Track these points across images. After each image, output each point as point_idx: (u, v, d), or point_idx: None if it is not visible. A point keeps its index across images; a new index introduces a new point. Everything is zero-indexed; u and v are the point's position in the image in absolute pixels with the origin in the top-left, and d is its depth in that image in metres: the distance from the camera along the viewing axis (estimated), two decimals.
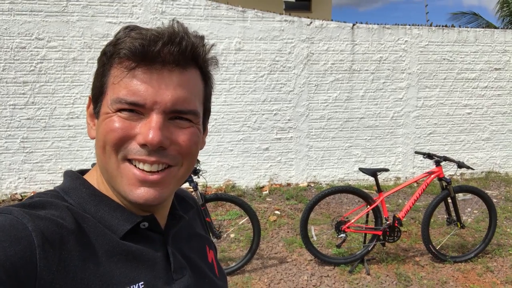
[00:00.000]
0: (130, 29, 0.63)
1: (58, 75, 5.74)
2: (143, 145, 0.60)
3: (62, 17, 5.69)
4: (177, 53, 0.61)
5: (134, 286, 0.61)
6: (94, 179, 0.68)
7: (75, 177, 0.68)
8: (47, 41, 5.68)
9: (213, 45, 0.69)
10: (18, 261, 0.49)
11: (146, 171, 0.62)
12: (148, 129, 0.60)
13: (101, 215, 0.64)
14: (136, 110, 0.61)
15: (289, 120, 6.57)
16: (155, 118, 0.60)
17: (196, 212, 0.90)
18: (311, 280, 3.62)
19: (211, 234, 3.72)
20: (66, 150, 5.82)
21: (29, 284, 0.50)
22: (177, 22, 0.65)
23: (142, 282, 0.62)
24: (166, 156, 0.63)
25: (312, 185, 6.66)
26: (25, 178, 5.80)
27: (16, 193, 5.76)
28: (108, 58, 0.63)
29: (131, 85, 0.60)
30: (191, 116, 0.65)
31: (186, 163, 0.66)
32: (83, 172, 0.72)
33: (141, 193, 0.62)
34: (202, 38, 0.66)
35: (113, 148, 0.62)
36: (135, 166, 0.62)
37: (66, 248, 0.55)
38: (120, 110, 0.61)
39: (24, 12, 5.59)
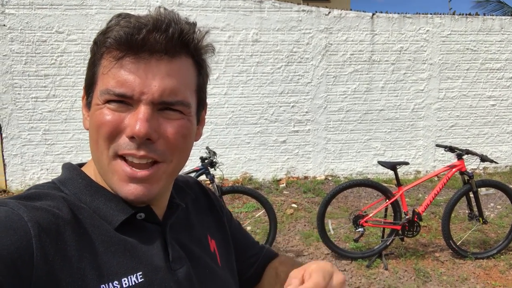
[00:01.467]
0: (121, 17, 0.62)
1: (77, 68, 5.82)
2: (131, 138, 0.60)
3: (81, 10, 5.75)
4: (164, 41, 0.59)
5: (132, 276, 0.60)
6: (91, 170, 0.68)
7: (72, 169, 0.69)
8: (67, 34, 5.76)
9: (207, 31, 0.66)
10: (15, 251, 0.49)
11: (135, 164, 0.61)
12: (135, 120, 0.59)
13: (97, 206, 0.63)
14: (125, 101, 0.60)
15: (306, 112, 6.50)
16: (142, 110, 0.59)
17: (203, 198, 0.87)
18: None
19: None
20: (86, 142, 5.91)
21: (26, 273, 0.49)
22: (165, 8, 0.62)
23: (141, 273, 0.61)
24: (154, 151, 0.61)
25: (330, 178, 6.60)
26: (47, 170, 5.93)
27: None
28: (98, 47, 0.62)
29: (118, 75, 0.59)
30: (181, 107, 0.63)
31: (175, 159, 0.65)
32: (81, 165, 0.72)
33: (131, 189, 0.62)
34: (193, 24, 0.64)
35: (105, 142, 0.61)
36: (125, 161, 0.61)
37: (63, 238, 0.55)
38: (109, 101, 0.60)
39: (44, 6, 5.67)
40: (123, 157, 0.61)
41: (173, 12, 0.62)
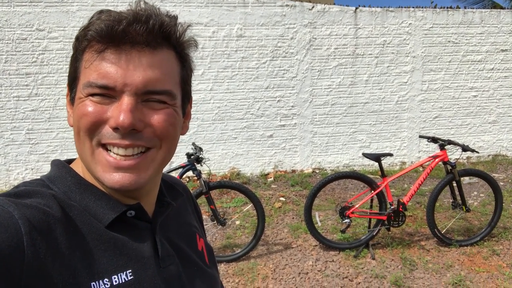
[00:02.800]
0: (103, 13, 0.62)
1: (60, 65, 5.74)
2: (115, 129, 0.59)
3: (62, 7, 5.66)
4: (145, 32, 0.60)
5: (121, 273, 0.60)
6: (79, 167, 0.68)
7: (61, 166, 0.68)
8: (48, 32, 5.66)
9: (189, 25, 0.66)
10: (6, 249, 0.49)
11: (121, 155, 0.61)
12: (119, 112, 0.58)
13: (86, 204, 0.63)
14: (107, 94, 0.60)
15: (292, 106, 6.53)
16: (126, 101, 0.59)
17: (188, 200, 0.88)
18: (316, 265, 3.64)
19: (216, 221, 3.74)
20: (71, 140, 5.84)
21: (17, 271, 0.49)
22: (145, 2, 0.63)
23: (130, 270, 0.61)
24: (141, 139, 0.61)
25: (317, 171, 6.65)
26: (32, 169, 5.84)
27: None
28: (79, 42, 0.62)
29: (100, 68, 0.59)
30: (165, 97, 0.63)
31: (165, 145, 0.65)
32: (70, 161, 0.71)
33: (116, 178, 0.61)
34: (174, 18, 0.64)
35: (87, 134, 0.61)
36: (108, 151, 0.61)
37: (53, 236, 0.55)
38: (92, 95, 0.60)
39: (24, 3, 5.56)
40: (105, 147, 0.61)
41: (153, 6, 0.62)
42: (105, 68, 0.59)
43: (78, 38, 0.62)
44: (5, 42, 5.56)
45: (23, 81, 5.67)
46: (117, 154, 0.60)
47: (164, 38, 0.62)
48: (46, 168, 5.82)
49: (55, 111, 5.81)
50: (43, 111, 5.79)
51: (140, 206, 0.67)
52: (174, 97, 0.64)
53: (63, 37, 5.70)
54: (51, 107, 5.80)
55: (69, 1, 5.66)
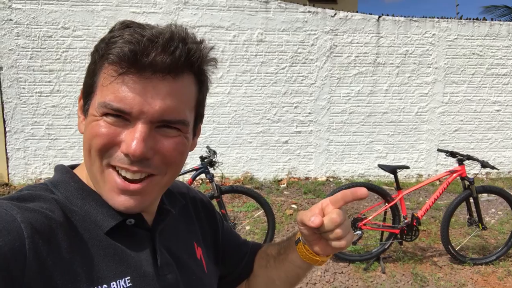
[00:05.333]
0: (125, 25, 0.61)
1: (82, 64, 5.85)
2: (126, 154, 0.60)
3: (88, 6, 5.78)
4: (170, 62, 0.59)
5: (120, 280, 0.61)
6: (83, 173, 0.68)
7: (65, 171, 0.69)
8: (73, 30, 5.79)
9: (212, 48, 0.66)
10: (8, 252, 0.49)
11: (128, 179, 0.61)
12: (132, 139, 0.59)
13: (87, 210, 0.64)
14: (122, 116, 0.59)
15: (309, 113, 6.49)
16: (140, 128, 0.59)
17: (192, 205, 0.87)
18: (324, 276, 3.59)
19: None
20: None
21: (18, 274, 0.50)
22: (176, 26, 0.62)
23: (129, 277, 0.62)
24: (149, 166, 0.62)
25: (331, 180, 6.58)
26: (49, 164, 5.97)
27: (40, 178, 5.94)
28: (100, 57, 0.61)
29: (118, 91, 0.59)
30: (180, 125, 0.63)
31: (170, 172, 0.65)
32: (74, 166, 0.72)
33: (122, 201, 0.62)
34: (200, 43, 0.63)
35: (98, 154, 0.61)
36: (117, 172, 0.62)
37: (55, 240, 0.56)
38: (106, 115, 0.60)
39: (51, 1, 5.70)
40: (115, 168, 0.62)
41: (182, 29, 0.61)
42: (123, 92, 0.58)
43: (98, 51, 0.61)
44: (31, 39, 5.70)
45: (46, 78, 5.81)
46: (124, 177, 0.61)
47: (187, 66, 0.62)
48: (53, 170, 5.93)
49: (75, 108, 5.93)
50: (64, 108, 5.91)
51: (139, 215, 0.68)
52: (187, 125, 0.64)
53: (87, 36, 5.81)
54: (72, 104, 5.91)
55: (94, 1, 5.78)
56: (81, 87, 0.67)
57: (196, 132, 0.72)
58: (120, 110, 0.58)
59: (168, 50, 0.58)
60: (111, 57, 0.58)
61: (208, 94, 0.72)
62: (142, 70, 0.58)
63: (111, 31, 0.61)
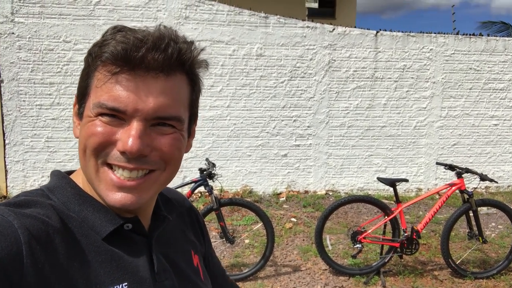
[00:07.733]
0: (117, 29, 0.62)
1: None
2: (122, 152, 0.60)
3: (89, 20, 5.85)
4: (162, 60, 0.60)
5: (118, 286, 0.60)
6: (79, 178, 0.68)
7: (61, 177, 0.69)
8: (74, 44, 5.84)
9: (202, 49, 0.67)
10: (5, 257, 0.49)
11: (125, 176, 0.61)
12: (128, 137, 0.59)
13: (85, 215, 0.63)
14: (117, 115, 0.60)
15: (308, 127, 6.52)
16: (135, 126, 0.59)
17: (187, 213, 0.88)
18: None
19: (224, 239, 3.71)
20: None
21: (16, 280, 0.50)
22: (164, 26, 0.63)
23: (126, 283, 0.62)
24: (147, 163, 0.62)
25: (331, 193, 6.57)
26: (48, 177, 5.94)
27: None
28: (93, 59, 0.62)
29: (113, 90, 0.59)
30: (175, 122, 0.63)
31: (169, 168, 0.66)
32: (70, 172, 0.72)
33: (118, 197, 0.62)
34: (191, 43, 0.65)
35: (93, 153, 0.61)
36: (113, 171, 0.62)
37: (52, 246, 0.55)
38: (101, 115, 0.60)
39: (53, 16, 5.77)
40: (110, 167, 0.62)
41: (172, 30, 0.63)
42: (117, 91, 0.59)
43: (91, 54, 0.63)
44: (32, 52, 5.75)
45: (46, 90, 5.84)
46: (121, 175, 0.61)
47: (179, 65, 0.63)
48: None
49: None
50: (63, 120, 5.92)
51: (137, 220, 0.68)
52: (182, 122, 0.65)
53: (88, 49, 5.86)
54: (71, 117, 5.91)
55: (96, 15, 5.85)
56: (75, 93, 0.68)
57: (191, 132, 0.72)
58: (115, 109, 0.59)
59: (159, 48, 0.59)
60: (105, 55, 0.60)
61: (200, 95, 0.73)
62: (135, 69, 0.59)
63: (104, 35, 0.63)
